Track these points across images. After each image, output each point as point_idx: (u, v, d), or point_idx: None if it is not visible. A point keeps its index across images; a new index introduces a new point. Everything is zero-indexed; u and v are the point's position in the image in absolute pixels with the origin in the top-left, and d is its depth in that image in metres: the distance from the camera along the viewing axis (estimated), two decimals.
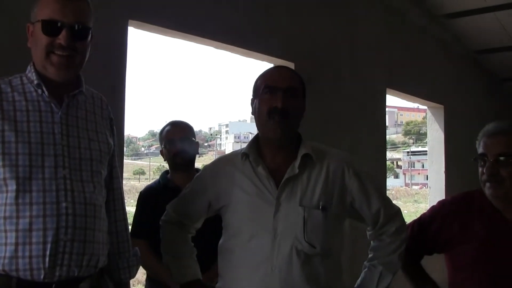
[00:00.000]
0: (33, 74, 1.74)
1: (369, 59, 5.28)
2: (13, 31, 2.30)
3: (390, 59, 5.65)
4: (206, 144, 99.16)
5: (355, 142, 4.88)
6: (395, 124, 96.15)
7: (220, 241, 2.02)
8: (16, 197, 1.61)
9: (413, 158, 65.63)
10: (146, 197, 2.85)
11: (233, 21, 3.70)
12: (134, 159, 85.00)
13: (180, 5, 3.30)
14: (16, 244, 1.59)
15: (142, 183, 31.15)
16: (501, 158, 2.03)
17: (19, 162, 1.62)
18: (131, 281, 2.05)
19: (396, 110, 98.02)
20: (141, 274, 2.53)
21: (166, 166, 2.96)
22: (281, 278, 1.83)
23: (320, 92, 4.38)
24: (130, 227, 2.26)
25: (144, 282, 2.92)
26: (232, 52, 3.95)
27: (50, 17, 1.68)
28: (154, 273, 2.66)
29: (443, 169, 6.87)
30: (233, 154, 2.11)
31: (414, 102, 6.92)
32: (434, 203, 2.38)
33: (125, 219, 2.00)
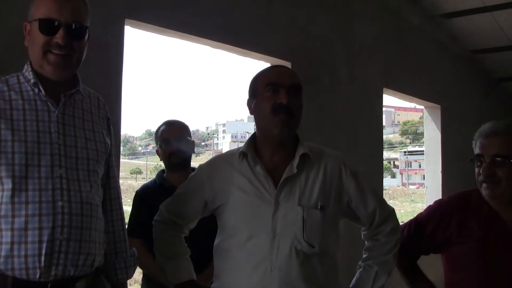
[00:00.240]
0: (30, 73, 1.73)
1: (366, 59, 5.28)
2: (9, 29, 2.29)
3: (387, 59, 5.66)
4: (203, 143, 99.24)
5: (352, 142, 4.88)
6: (392, 124, 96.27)
7: (216, 241, 2.01)
8: (12, 196, 1.61)
9: (410, 158, 65.65)
10: (142, 196, 2.85)
11: (230, 20, 3.70)
12: (131, 159, 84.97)
13: (177, 4, 3.29)
14: (12, 243, 1.59)
15: (139, 183, 31.05)
16: (498, 159, 2.03)
17: (15, 161, 1.62)
18: (128, 281, 2.04)
19: (393, 109, 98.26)
20: (138, 273, 2.52)
21: (163, 165, 2.96)
22: (281, 277, 1.83)
23: (316, 92, 4.38)
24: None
25: (141, 282, 2.91)
26: (229, 51, 3.94)
27: (47, 16, 1.68)
28: (150, 272, 2.66)
29: (440, 169, 6.88)
30: (229, 153, 2.10)
31: (411, 101, 6.93)
32: (431, 203, 2.38)
33: (122, 218, 1.99)
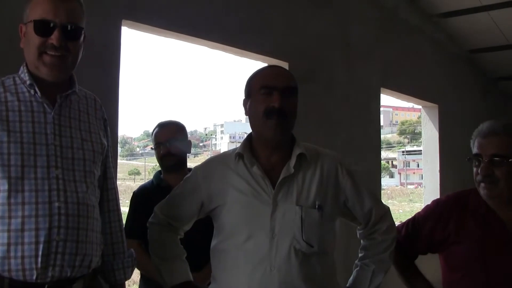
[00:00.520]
0: (26, 74, 1.73)
1: (364, 59, 5.28)
2: (5, 31, 2.29)
3: (385, 59, 5.65)
4: (201, 144, 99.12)
5: (350, 142, 4.88)
6: (390, 124, 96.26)
7: (213, 242, 2.00)
8: (8, 197, 1.60)
9: (408, 157, 65.73)
10: (140, 197, 2.85)
11: (227, 20, 3.70)
12: (129, 160, 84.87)
13: (174, 5, 3.29)
14: (8, 244, 1.59)
15: (137, 183, 31.03)
16: (496, 158, 2.03)
17: (11, 162, 1.62)
18: (126, 282, 2.04)
19: (391, 109, 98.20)
20: (136, 274, 2.51)
21: None
22: (280, 278, 1.83)
23: (314, 92, 4.38)
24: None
25: (139, 283, 2.91)
26: (226, 52, 3.95)
27: (42, 17, 1.68)
28: (148, 273, 2.65)
29: (438, 169, 6.88)
30: (225, 154, 2.10)
31: (408, 101, 6.93)
32: (429, 202, 2.38)
33: (120, 219, 1.98)
